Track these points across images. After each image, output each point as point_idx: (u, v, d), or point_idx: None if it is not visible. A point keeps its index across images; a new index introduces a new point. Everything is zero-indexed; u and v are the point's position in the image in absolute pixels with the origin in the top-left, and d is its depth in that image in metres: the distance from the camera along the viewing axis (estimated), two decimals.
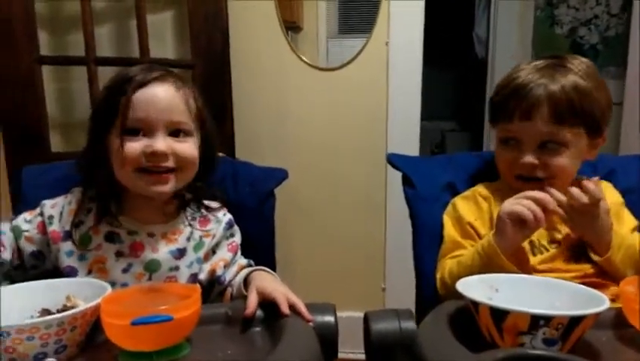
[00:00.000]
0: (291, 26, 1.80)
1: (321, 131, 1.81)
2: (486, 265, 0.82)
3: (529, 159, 0.89)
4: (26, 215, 0.85)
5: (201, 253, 0.88)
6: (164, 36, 1.73)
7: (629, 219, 0.96)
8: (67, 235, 0.83)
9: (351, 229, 1.86)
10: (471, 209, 0.96)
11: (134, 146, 0.79)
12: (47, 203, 0.86)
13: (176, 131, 0.82)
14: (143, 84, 0.79)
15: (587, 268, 0.89)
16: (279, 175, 1.03)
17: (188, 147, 0.83)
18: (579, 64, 0.91)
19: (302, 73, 1.78)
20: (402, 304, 0.84)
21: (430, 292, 0.93)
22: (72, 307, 0.65)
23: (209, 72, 1.61)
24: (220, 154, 1.10)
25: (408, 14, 1.72)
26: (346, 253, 1.88)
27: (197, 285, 0.69)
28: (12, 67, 1.54)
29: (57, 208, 0.85)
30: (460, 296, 0.65)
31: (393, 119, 1.76)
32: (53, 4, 1.72)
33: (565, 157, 0.89)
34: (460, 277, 0.72)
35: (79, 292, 0.70)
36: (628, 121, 2.01)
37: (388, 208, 1.82)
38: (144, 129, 0.79)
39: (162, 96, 0.80)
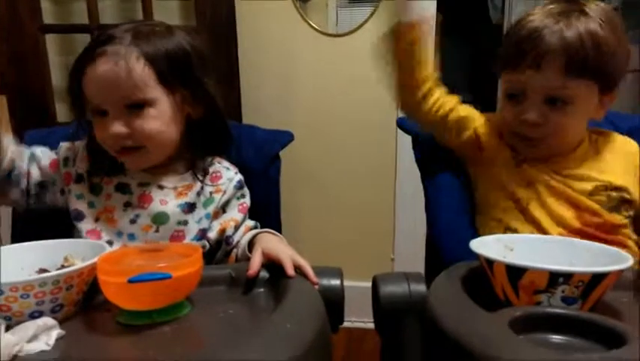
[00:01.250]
0: None
1: (329, 98, 1.78)
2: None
3: (533, 116, 0.83)
4: (42, 148, 0.87)
5: (211, 209, 0.86)
6: (168, 4, 1.69)
7: None
8: (80, 178, 0.84)
9: (360, 197, 1.84)
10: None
11: (100, 131, 0.80)
12: (64, 145, 0.87)
13: (132, 104, 0.78)
14: (87, 64, 0.77)
15: (588, 216, 0.84)
16: (285, 138, 1.00)
17: (147, 123, 0.79)
18: (599, 10, 0.82)
19: (310, 39, 1.74)
20: None
21: (445, 255, 0.89)
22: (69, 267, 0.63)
23: (214, 39, 1.58)
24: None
25: None
26: (354, 221, 1.86)
27: (199, 245, 0.67)
28: (16, 36, 1.52)
29: (72, 151, 0.86)
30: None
31: None
32: None
33: (570, 116, 0.83)
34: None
35: (77, 253, 0.69)
36: None
37: (398, 177, 1.79)
38: (103, 109, 0.78)
39: (100, 76, 0.76)
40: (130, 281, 0.55)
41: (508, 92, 0.87)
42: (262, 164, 0.98)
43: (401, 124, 1.02)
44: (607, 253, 0.63)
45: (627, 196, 0.86)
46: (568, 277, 0.54)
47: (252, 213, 0.92)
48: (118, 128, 0.77)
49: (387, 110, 1.73)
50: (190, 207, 0.85)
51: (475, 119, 0.94)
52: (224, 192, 0.88)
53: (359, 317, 1.74)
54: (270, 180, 0.98)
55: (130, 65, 0.76)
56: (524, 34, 0.83)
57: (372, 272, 1.89)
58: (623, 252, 0.61)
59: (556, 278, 0.54)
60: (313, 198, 1.86)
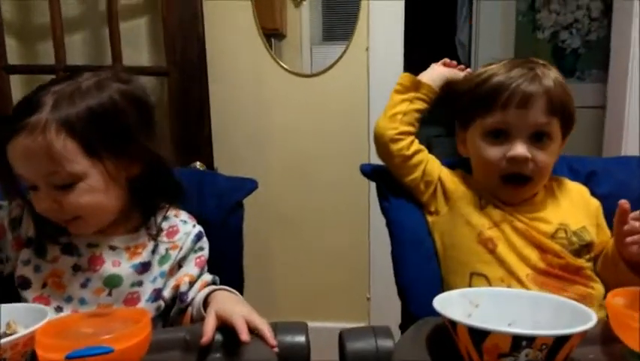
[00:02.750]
0: (274, 33, 1.77)
1: (301, 138, 1.78)
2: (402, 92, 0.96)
3: (522, 150, 0.85)
4: None
5: (166, 267, 0.82)
6: (138, 43, 1.69)
7: (606, 228, 0.93)
8: (29, 242, 0.79)
9: (334, 237, 1.82)
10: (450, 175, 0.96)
11: (35, 202, 0.74)
12: (6, 207, 0.81)
13: (58, 181, 0.72)
14: (8, 139, 0.71)
15: (552, 257, 0.86)
16: (248, 186, 0.98)
17: (77, 198, 0.73)
18: (545, 62, 0.91)
19: (281, 80, 1.75)
20: (387, 314, 0.81)
21: (415, 304, 0.88)
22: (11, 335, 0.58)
23: (184, 79, 1.56)
24: (198, 163, 1.05)
25: (388, 19, 1.69)
26: (330, 262, 1.84)
27: (147, 310, 0.63)
28: None
29: (20, 209, 0.80)
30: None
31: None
32: (22, 12, 1.66)
33: (550, 153, 0.88)
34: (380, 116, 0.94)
35: (22, 319, 0.64)
36: (610, 125, 1.99)
37: (372, 216, 1.78)
38: (34, 185, 0.73)
39: (20, 154, 0.71)
40: (67, 358, 0.51)
41: (490, 133, 0.88)
42: (222, 213, 0.94)
43: (365, 171, 1.01)
44: (572, 309, 0.61)
45: (587, 239, 0.88)
46: (530, 340, 0.52)
47: (212, 265, 0.88)
48: (47, 204, 0.73)
49: (361, 150, 1.74)
50: (144, 267, 0.80)
51: (439, 167, 0.96)
52: (181, 248, 0.83)
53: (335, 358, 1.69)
54: (230, 230, 0.95)
55: (49, 141, 0.69)
56: (499, 82, 0.86)
57: (347, 312, 1.88)
58: (587, 309, 0.59)
59: (519, 342, 0.52)
60: (287, 239, 1.83)
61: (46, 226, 0.78)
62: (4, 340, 0.54)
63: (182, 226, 0.85)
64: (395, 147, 0.93)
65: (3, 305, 0.66)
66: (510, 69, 0.87)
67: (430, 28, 3.32)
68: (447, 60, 1.03)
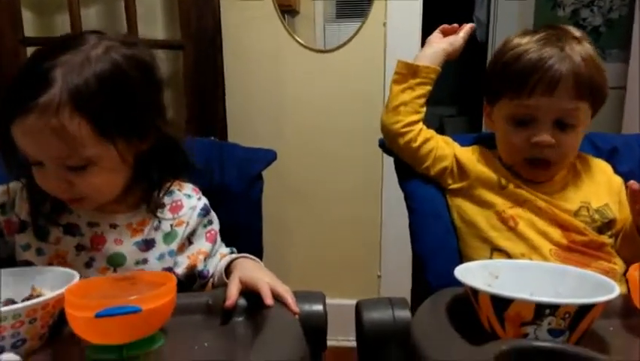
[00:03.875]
0: (288, 10, 1.75)
1: (316, 114, 1.76)
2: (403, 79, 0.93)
3: (546, 137, 0.84)
4: None
5: (174, 245, 0.79)
6: (153, 16, 1.68)
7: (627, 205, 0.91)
8: (24, 226, 0.76)
9: (347, 214, 1.82)
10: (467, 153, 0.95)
11: (41, 178, 0.70)
12: None
13: (72, 167, 0.69)
14: (15, 115, 0.65)
15: (575, 235, 0.85)
16: (268, 156, 0.97)
17: (89, 180, 0.69)
18: (581, 34, 0.87)
19: (297, 55, 1.73)
20: (397, 292, 0.81)
21: (432, 278, 0.88)
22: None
23: (199, 53, 1.55)
24: (212, 138, 1.04)
25: None
26: (341, 239, 1.84)
27: (172, 274, 0.64)
28: None
29: (7, 195, 0.77)
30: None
31: None
32: None
33: (575, 136, 0.86)
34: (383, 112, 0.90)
35: (46, 282, 0.66)
36: (631, 105, 1.95)
37: (384, 193, 1.77)
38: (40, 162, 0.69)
39: (32, 135, 0.66)
40: (97, 316, 0.52)
41: (515, 118, 0.87)
42: (243, 185, 0.94)
43: (383, 145, 1.01)
44: (594, 280, 0.61)
45: (610, 216, 0.88)
46: (554, 308, 0.52)
47: (232, 235, 0.89)
48: (55, 183, 0.69)
49: (375, 125, 1.72)
50: (147, 244, 0.78)
51: (452, 148, 0.95)
52: (188, 223, 0.81)
53: (346, 336, 1.71)
54: (251, 201, 0.95)
55: (63, 124, 0.64)
56: (530, 62, 0.83)
57: (358, 290, 1.89)
58: (610, 280, 0.59)
59: (542, 310, 0.52)
60: (300, 214, 1.83)
61: (43, 206, 0.75)
62: (37, 300, 0.55)
63: (187, 201, 0.83)
64: (402, 140, 0.92)
65: (29, 268, 0.67)
66: (542, 46, 0.84)
67: (449, 5, 3.26)
68: (445, 27, 0.98)
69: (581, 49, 0.84)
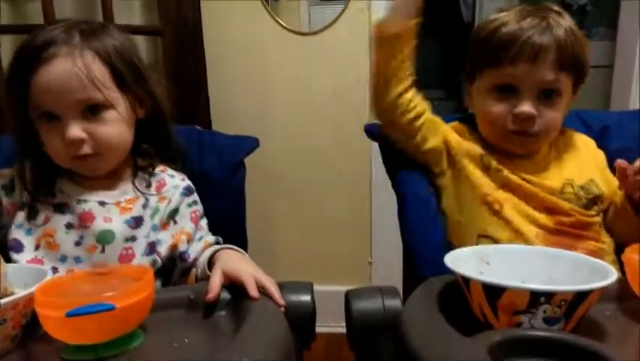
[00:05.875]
0: None
1: (302, 98, 1.73)
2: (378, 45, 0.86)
3: (529, 108, 0.82)
4: None
5: (157, 220, 0.80)
6: (129, 2, 1.62)
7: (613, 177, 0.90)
8: (23, 205, 0.77)
9: (336, 200, 1.79)
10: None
11: (54, 136, 0.73)
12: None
13: (91, 108, 0.73)
14: (33, 68, 0.70)
15: (561, 217, 0.84)
16: (249, 144, 0.94)
17: (106, 129, 0.74)
18: (559, 9, 0.87)
19: (281, 39, 1.69)
20: (389, 278, 0.79)
21: (423, 264, 0.85)
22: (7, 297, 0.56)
23: (179, 39, 1.51)
24: (196, 127, 1.01)
25: None
26: (331, 226, 1.81)
27: (149, 267, 0.61)
28: None
29: (7, 178, 0.78)
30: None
31: None
32: None
33: (559, 109, 0.85)
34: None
35: (19, 280, 0.62)
36: (618, 82, 1.94)
37: (373, 178, 1.75)
38: (56, 114, 0.72)
39: (56, 79, 0.70)
40: (68, 315, 0.49)
41: (497, 88, 0.85)
42: (224, 172, 0.91)
43: (369, 130, 0.97)
44: (589, 265, 0.59)
45: (595, 191, 0.86)
46: (549, 296, 0.50)
47: (215, 226, 0.86)
48: (76, 132, 0.71)
49: (361, 111, 1.70)
50: (137, 222, 0.78)
51: (443, 126, 0.92)
52: (170, 200, 0.81)
53: (338, 322, 1.70)
54: (232, 189, 0.92)
55: (88, 65, 0.71)
56: (511, 31, 0.82)
57: (349, 276, 1.88)
58: (606, 264, 0.57)
59: (537, 298, 0.50)
60: (288, 203, 1.81)
61: (45, 181, 0.77)
62: (5, 300, 0.52)
63: (170, 180, 0.84)
64: (395, 113, 0.87)
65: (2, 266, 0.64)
66: (522, 18, 0.83)
67: None
68: None
69: (563, 21, 0.83)
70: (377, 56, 0.87)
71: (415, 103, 0.88)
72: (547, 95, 0.83)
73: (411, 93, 0.88)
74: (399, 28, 0.83)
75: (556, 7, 0.86)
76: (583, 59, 0.85)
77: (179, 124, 0.90)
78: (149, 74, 0.80)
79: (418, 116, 0.88)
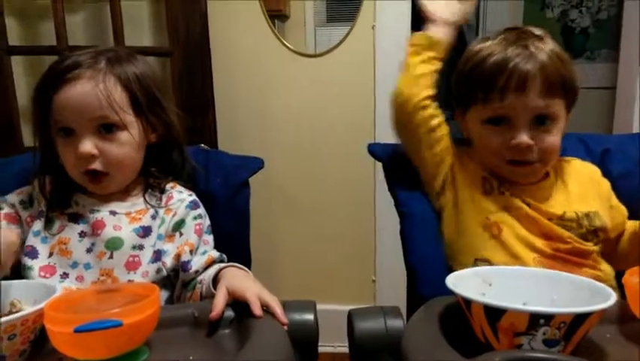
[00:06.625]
0: (277, 15, 1.74)
1: (307, 119, 1.75)
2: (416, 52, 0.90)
3: (525, 138, 0.82)
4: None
5: (162, 229, 0.84)
6: (140, 23, 1.66)
7: (620, 205, 0.91)
8: (41, 215, 0.82)
9: (340, 219, 1.80)
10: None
11: (69, 150, 0.78)
12: (13, 195, 0.84)
13: (106, 127, 0.78)
14: (58, 87, 0.77)
15: (559, 244, 0.83)
16: (254, 164, 0.96)
17: (117, 149, 0.79)
18: (544, 32, 0.87)
19: (286, 60, 1.72)
20: (393, 297, 0.79)
21: (424, 289, 0.86)
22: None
23: (188, 60, 1.54)
24: (202, 145, 1.04)
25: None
26: (335, 244, 1.82)
27: (155, 285, 0.62)
28: None
29: (25, 193, 0.84)
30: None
31: (381, 105, 1.69)
32: None
33: (555, 134, 0.85)
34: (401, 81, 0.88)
35: (28, 296, 0.63)
36: (621, 105, 1.96)
37: (377, 197, 1.76)
38: (73, 130, 0.78)
39: (76, 97, 0.76)
40: (76, 331, 0.50)
41: (492, 119, 0.85)
42: (229, 192, 0.93)
43: (373, 150, 0.99)
44: (589, 287, 0.60)
45: (597, 224, 0.86)
46: (549, 318, 0.51)
47: (220, 244, 0.87)
48: (88, 147, 0.76)
49: (367, 130, 1.72)
50: (145, 231, 0.82)
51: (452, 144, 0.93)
52: (175, 212, 0.85)
53: (342, 342, 1.69)
54: (237, 209, 0.94)
55: (109, 88, 0.77)
56: (495, 63, 0.82)
57: (353, 294, 1.87)
58: (606, 287, 0.58)
59: (536, 320, 0.51)
60: (292, 221, 1.82)
61: (61, 193, 0.83)
62: (15, 315, 0.53)
63: (177, 194, 0.88)
64: (422, 114, 0.88)
65: (10, 282, 0.65)
66: (503, 49, 0.83)
67: None
68: None
69: (544, 46, 0.83)
70: (410, 59, 0.91)
71: (438, 113, 0.90)
72: (541, 122, 0.83)
73: (434, 103, 0.90)
74: (439, 37, 0.90)
75: (537, 32, 0.86)
76: (571, 81, 0.84)
77: (186, 142, 0.93)
78: (166, 103, 0.86)
79: (439, 126, 0.90)
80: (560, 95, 0.83)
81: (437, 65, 0.91)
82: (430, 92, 0.89)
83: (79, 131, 0.77)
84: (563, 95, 0.83)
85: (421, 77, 0.89)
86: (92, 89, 0.76)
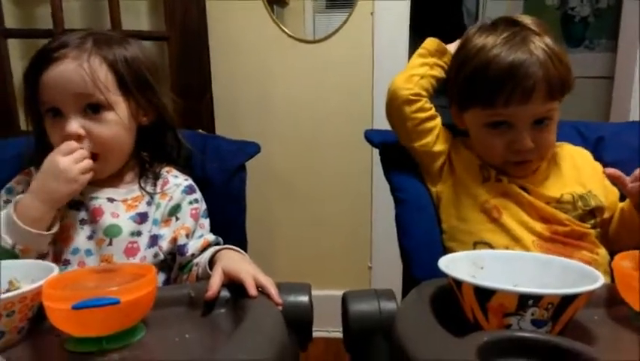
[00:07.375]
0: (276, 0, 1.73)
1: (305, 105, 1.75)
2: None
3: (527, 142, 0.84)
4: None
5: (158, 214, 0.84)
6: (137, 7, 1.65)
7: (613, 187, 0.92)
8: None
9: (337, 205, 1.81)
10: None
11: (56, 130, 0.78)
12: (13, 183, 0.83)
13: (92, 107, 0.78)
14: (44, 66, 0.77)
15: (557, 226, 0.85)
16: (251, 149, 0.97)
17: (104, 129, 0.79)
18: (536, 22, 0.86)
19: (285, 46, 1.71)
20: (388, 283, 0.80)
21: (418, 271, 0.87)
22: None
23: (185, 45, 1.54)
24: (200, 131, 1.05)
25: None
26: (331, 230, 1.83)
27: (152, 265, 0.63)
28: None
29: (24, 183, 0.83)
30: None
31: (380, 92, 1.69)
32: None
33: (552, 131, 0.87)
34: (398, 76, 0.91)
35: (26, 275, 0.64)
36: (618, 94, 1.96)
37: (374, 184, 1.77)
38: (60, 110, 0.78)
39: (60, 75, 0.76)
40: (74, 308, 0.51)
41: (492, 123, 0.86)
42: (225, 176, 0.94)
43: (369, 137, 1.00)
44: (578, 270, 0.61)
45: (592, 204, 0.87)
46: (537, 299, 0.52)
47: (215, 228, 0.88)
48: (74, 126, 0.76)
49: (365, 116, 1.72)
50: (142, 217, 0.83)
51: (449, 135, 0.95)
52: (171, 197, 0.85)
53: (336, 327, 1.71)
54: (233, 193, 0.94)
55: (93, 67, 0.77)
56: (500, 69, 0.81)
57: (349, 280, 1.89)
58: (594, 270, 0.59)
59: (525, 300, 0.52)
60: (289, 207, 1.83)
61: None
62: (14, 292, 0.54)
63: (173, 179, 0.88)
64: (409, 108, 0.90)
65: (7, 261, 0.66)
66: (508, 50, 0.81)
67: None
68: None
69: (544, 45, 0.83)
70: (414, 59, 0.94)
71: (429, 107, 0.92)
72: (540, 123, 0.85)
73: (425, 100, 0.93)
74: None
75: (533, 26, 0.85)
76: (569, 80, 0.85)
77: (184, 125, 0.93)
78: (158, 87, 0.86)
79: (432, 117, 0.92)
80: (559, 97, 0.85)
81: (438, 72, 0.94)
82: (423, 92, 0.92)
83: (65, 111, 0.77)
84: (561, 96, 0.85)
85: (416, 76, 0.92)
86: (76, 68, 0.76)
